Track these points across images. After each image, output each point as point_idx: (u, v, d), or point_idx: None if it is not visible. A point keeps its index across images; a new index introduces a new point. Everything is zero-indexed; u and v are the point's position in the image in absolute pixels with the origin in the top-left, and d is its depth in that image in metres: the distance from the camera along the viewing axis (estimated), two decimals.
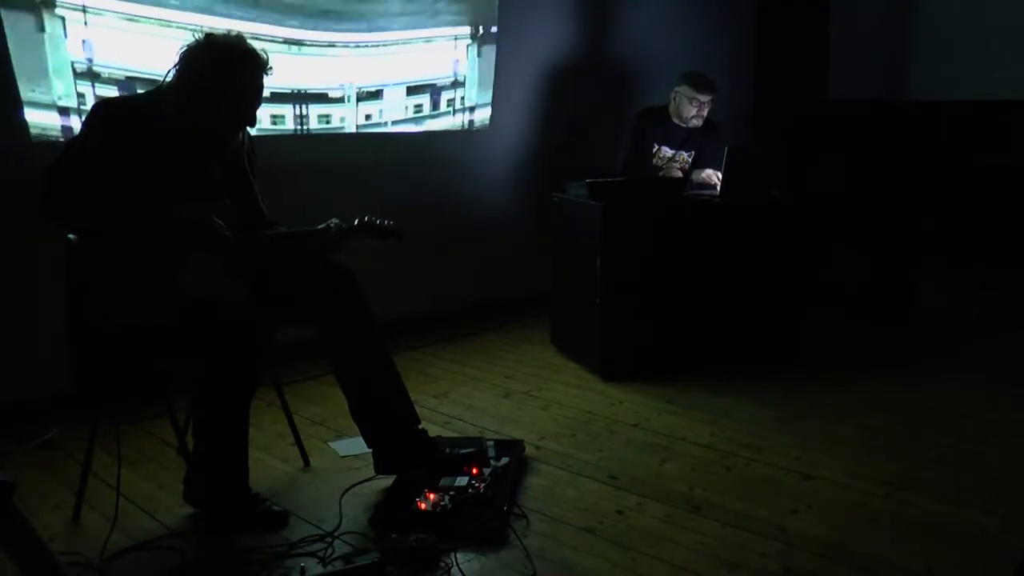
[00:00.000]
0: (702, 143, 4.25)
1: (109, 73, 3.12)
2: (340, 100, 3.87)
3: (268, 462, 2.74)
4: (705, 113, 4.15)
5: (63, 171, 2.10)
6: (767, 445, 2.85)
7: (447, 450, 2.58)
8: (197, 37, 2.23)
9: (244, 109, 2.28)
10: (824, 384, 3.46)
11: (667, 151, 4.24)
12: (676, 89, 4.15)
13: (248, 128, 2.41)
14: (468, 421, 3.13)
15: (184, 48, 2.22)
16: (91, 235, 2.15)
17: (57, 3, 2.96)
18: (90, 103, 3.01)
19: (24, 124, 2.98)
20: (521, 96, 4.66)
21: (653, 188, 3.75)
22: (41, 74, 2.97)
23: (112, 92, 3.11)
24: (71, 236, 2.23)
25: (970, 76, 5.47)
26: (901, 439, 2.91)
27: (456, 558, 2.11)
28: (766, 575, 2.06)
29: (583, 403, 3.30)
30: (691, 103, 4.10)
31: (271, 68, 2.28)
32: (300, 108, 3.73)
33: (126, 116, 2.18)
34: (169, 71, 2.23)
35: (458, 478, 2.44)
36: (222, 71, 2.20)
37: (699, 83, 4.07)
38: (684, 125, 4.17)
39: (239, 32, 2.28)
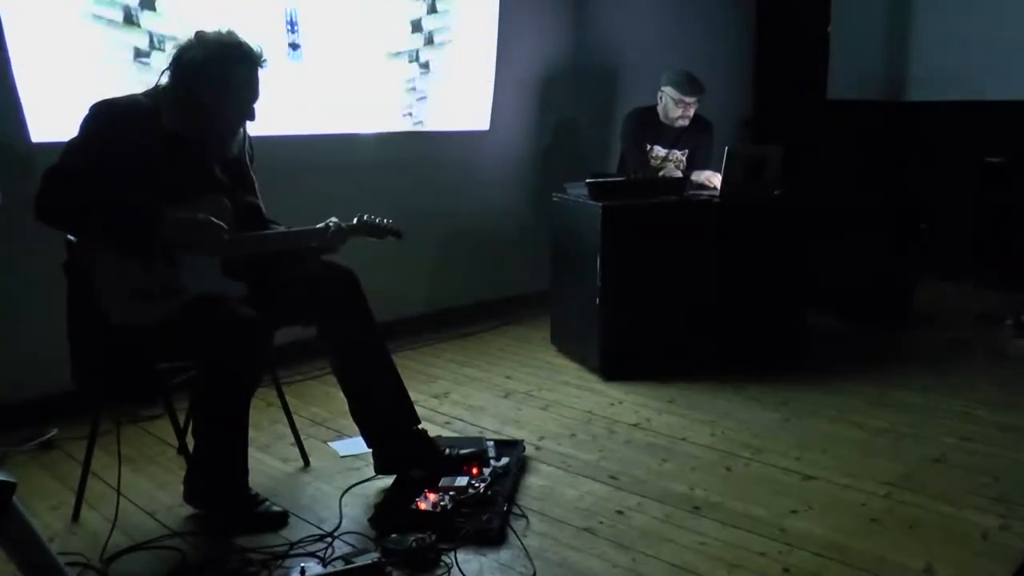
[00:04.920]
0: (695, 141, 4.25)
1: None
2: None
3: (268, 462, 2.74)
4: (691, 113, 4.14)
5: (60, 172, 2.09)
6: (767, 445, 2.85)
7: (447, 450, 2.58)
8: (188, 37, 2.22)
9: (242, 105, 2.28)
10: (824, 384, 3.46)
11: (660, 150, 4.24)
12: (662, 89, 4.14)
13: (246, 126, 2.41)
14: (468, 421, 3.13)
15: (177, 49, 2.22)
16: (88, 236, 2.15)
17: None
18: None
19: (24, 124, 2.98)
20: (520, 97, 4.66)
21: (653, 188, 3.75)
22: None
23: None
24: (71, 236, 2.23)
25: (970, 76, 5.47)
26: (901, 439, 2.91)
27: (456, 558, 2.11)
28: (766, 575, 2.06)
29: (583, 403, 3.30)
30: (677, 104, 4.09)
31: (265, 61, 2.28)
32: None
33: (124, 117, 2.17)
34: (164, 72, 2.23)
35: (458, 478, 2.44)
36: (217, 69, 2.19)
37: (684, 85, 4.06)
38: (672, 125, 4.17)
39: (230, 29, 2.27)
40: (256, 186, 2.49)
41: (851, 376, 3.56)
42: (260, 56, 2.26)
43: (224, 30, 2.25)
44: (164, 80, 2.24)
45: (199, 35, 2.22)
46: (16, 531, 1.49)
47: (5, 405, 2.97)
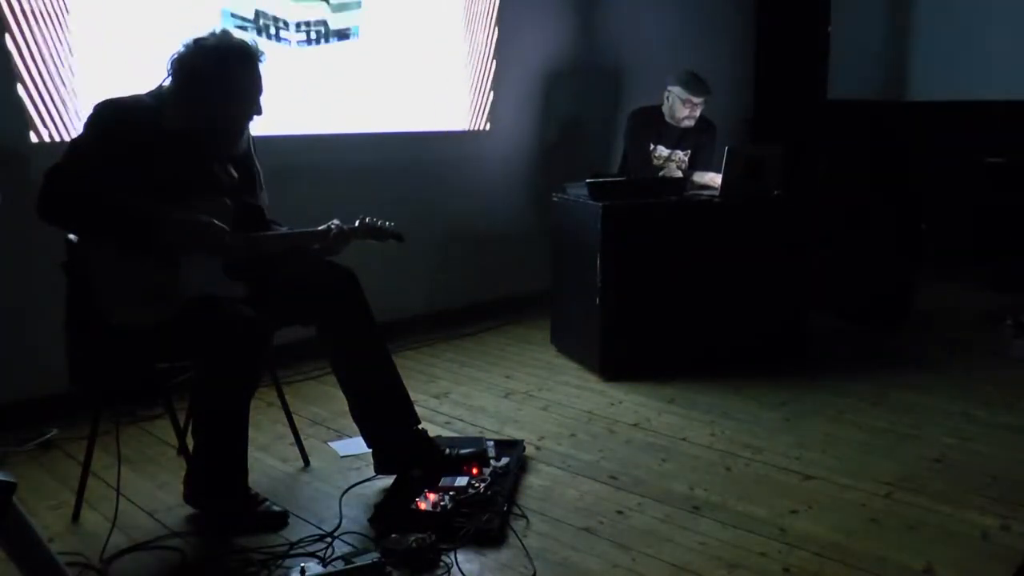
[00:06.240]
0: (698, 141, 4.26)
1: None
2: None
3: (268, 462, 2.74)
4: (698, 114, 4.15)
5: (64, 171, 2.09)
6: (767, 445, 2.85)
7: (447, 450, 2.58)
8: (186, 43, 2.21)
9: (249, 103, 2.29)
10: (824, 384, 3.46)
11: (663, 150, 4.25)
12: (669, 89, 4.15)
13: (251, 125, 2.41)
14: (468, 421, 3.12)
15: (175, 56, 2.21)
16: (90, 235, 2.15)
17: None
18: None
19: (24, 124, 2.98)
20: (521, 96, 4.66)
21: (653, 188, 3.75)
22: None
23: None
24: (71, 236, 2.23)
25: (970, 76, 5.47)
26: (901, 439, 2.91)
27: (456, 558, 2.11)
28: (766, 575, 2.06)
29: (583, 403, 3.30)
30: (684, 104, 4.10)
31: (263, 54, 2.28)
32: None
33: (127, 116, 2.17)
34: (164, 80, 2.23)
35: (458, 478, 2.44)
36: (221, 76, 2.20)
37: (692, 85, 4.07)
38: (677, 125, 4.18)
39: (223, 28, 2.27)
40: (261, 178, 2.49)
41: (851, 376, 3.56)
42: (258, 51, 2.27)
43: (217, 31, 2.25)
44: (167, 85, 2.24)
45: (198, 42, 2.21)
46: (16, 531, 1.48)
47: (5, 405, 2.97)
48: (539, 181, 4.66)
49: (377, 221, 2.55)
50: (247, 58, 2.24)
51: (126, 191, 2.09)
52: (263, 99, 2.32)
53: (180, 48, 2.22)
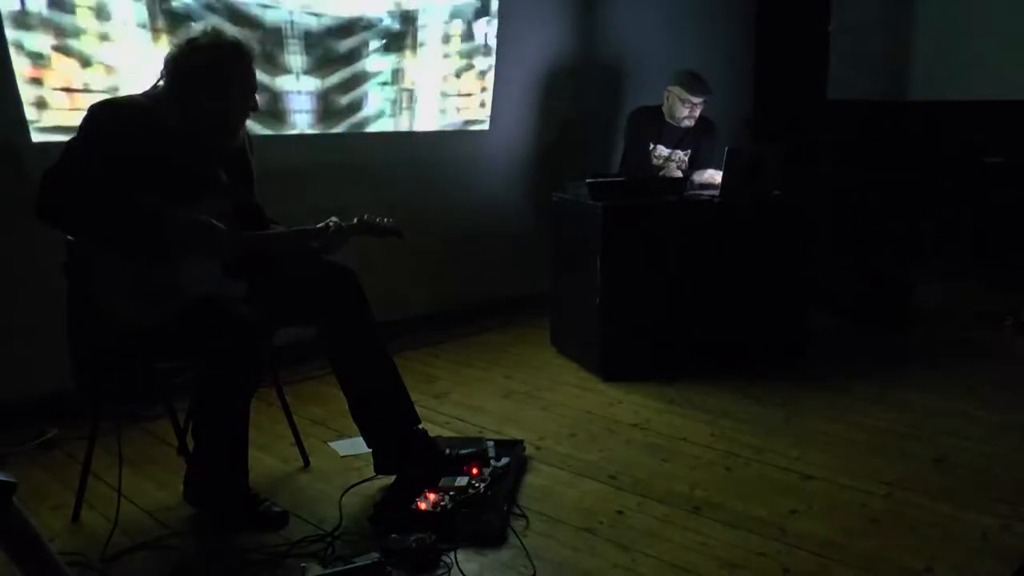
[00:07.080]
0: (698, 142, 4.26)
1: None
2: None
3: (268, 462, 2.74)
4: (697, 114, 4.16)
5: (61, 173, 2.09)
6: (767, 445, 2.85)
7: (447, 450, 2.58)
8: (179, 44, 2.22)
9: (246, 101, 2.30)
10: (824, 384, 3.46)
11: (663, 150, 4.25)
12: (669, 88, 4.15)
13: (249, 121, 2.41)
14: (468, 421, 3.12)
15: (169, 56, 2.22)
16: (88, 236, 2.15)
17: None
18: None
19: (24, 124, 2.98)
20: (521, 96, 4.66)
21: (653, 188, 3.75)
22: None
23: None
24: (71, 237, 2.22)
25: (969, 76, 5.47)
26: (901, 439, 2.91)
27: (456, 558, 2.11)
28: (766, 575, 2.06)
29: (583, 403, 3.30)
30: (683, 104, 4.11)
31: (255, 50, 2.29)
32: None
33: (123, 117, 2.17)
34: (159, 81, 2.23)
35: (458, 478, 2.44)
36: (217, 75, 2.20)
37: (692, 85, 4.07)
38: (677, 125, 4.18)
39: (212, 26, 2.27)
40: (255, 187, 2.49)
41: (851, 376, 3.56)
42: (250, 48, 2.27)
43: (209, 28, 2.25)
44: (162, 85, 2.24)
45: (190, 42, 2.21)
46: (16, 531, 1.49)
47: (5, 405, 2.97)
48: (539, 181, 4.66)
49: (375, 218, 2.54)
50: (240, 56, 2.24)
51: (123, 192, 2.09)
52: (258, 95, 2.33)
53: (173, 48, 2.22)
